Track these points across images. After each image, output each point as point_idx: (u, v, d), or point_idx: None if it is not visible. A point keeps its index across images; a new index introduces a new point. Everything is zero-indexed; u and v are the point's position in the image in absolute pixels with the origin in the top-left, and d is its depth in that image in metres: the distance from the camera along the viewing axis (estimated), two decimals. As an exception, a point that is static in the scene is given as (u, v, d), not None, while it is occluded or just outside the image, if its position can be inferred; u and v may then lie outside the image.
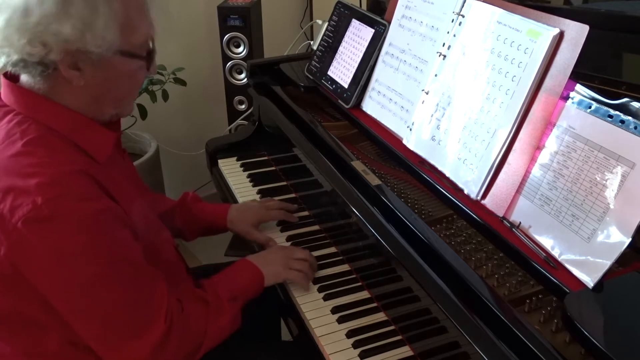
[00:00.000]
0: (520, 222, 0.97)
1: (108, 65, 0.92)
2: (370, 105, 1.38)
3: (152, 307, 0.96)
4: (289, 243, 1.34)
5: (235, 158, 1.68)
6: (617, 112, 0.87)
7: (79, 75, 0.91)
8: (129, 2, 0.91)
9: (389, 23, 1.36)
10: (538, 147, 0.97)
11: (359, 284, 1.20)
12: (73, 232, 0.86)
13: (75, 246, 0.87)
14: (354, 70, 1.43)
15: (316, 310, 1.14)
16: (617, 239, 0.82)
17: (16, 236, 0.84)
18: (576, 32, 0.94)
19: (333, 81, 1.49)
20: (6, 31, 0.85)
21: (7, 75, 0.95)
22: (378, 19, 1.40)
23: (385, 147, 1.28)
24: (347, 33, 1.50)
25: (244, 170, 1.63)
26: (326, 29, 1.58)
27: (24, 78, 0.93)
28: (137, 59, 0.95)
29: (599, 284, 0.83)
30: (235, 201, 1.52)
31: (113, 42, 0.89)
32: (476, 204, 1.05)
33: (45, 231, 0.85)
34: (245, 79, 2.32)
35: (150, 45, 0.99)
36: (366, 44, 1.41)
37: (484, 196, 1.04)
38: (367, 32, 1.42)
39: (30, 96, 0.93)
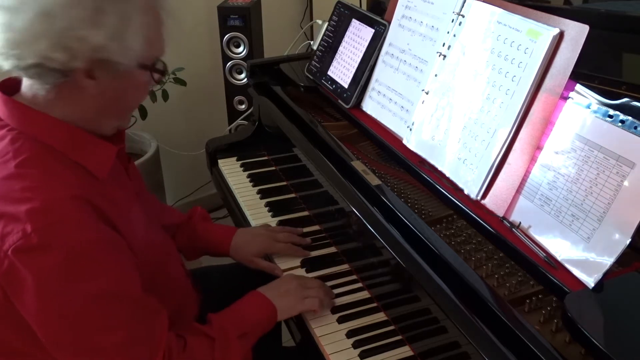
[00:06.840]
0: (520, 222, 0.97)
1: (126, 76, 0.88)
2: (370, 105, 1.38)
3: (151, 343, 0.91)
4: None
5: (235, 158, 1.68)
6: (617, 112, 0.87)
7: (94, 84, 0.86)
8: (158, 15, 0.89)
9: (389, 23, 1.36)
10: (538, 147, 0.97)
11: (359, 284, 1.20)
12: (63, 264, 0.80)
13: (65, 279, 0.80)
14: (354, 70, 1.43)
15: (316, 310, 1.15)
16: (617, 238, 0.82)
17: (7, 264, 0.79)
18: (576, 32, 0.94)
19: (333, 81, 1.49)
20: (25, 33, 0.79)
21: (1, 87, 0.90)
22: (378, 19, 1.40)
23: (385, 147, 1.28)
24: (347, 33, 1.50)
25: (244, 170, 1.63)
26: (326, 29, 1.58)
27: (27, 86, 0.88)
28: (154, 72, 0.92)
29: (599, 284, 0.83)
30: (235, 201, 1.52)
31: (137, 53, 0.86)
32: (476, 204, 1.05)
33: (33, 261, 0.79)
34: (245, 79, 2.32)
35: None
36: (366, 44, 1.41)
37: (484, 196, 1.04)
38: (367, 32, 1.42)
39: (25, 110, 0.87)
